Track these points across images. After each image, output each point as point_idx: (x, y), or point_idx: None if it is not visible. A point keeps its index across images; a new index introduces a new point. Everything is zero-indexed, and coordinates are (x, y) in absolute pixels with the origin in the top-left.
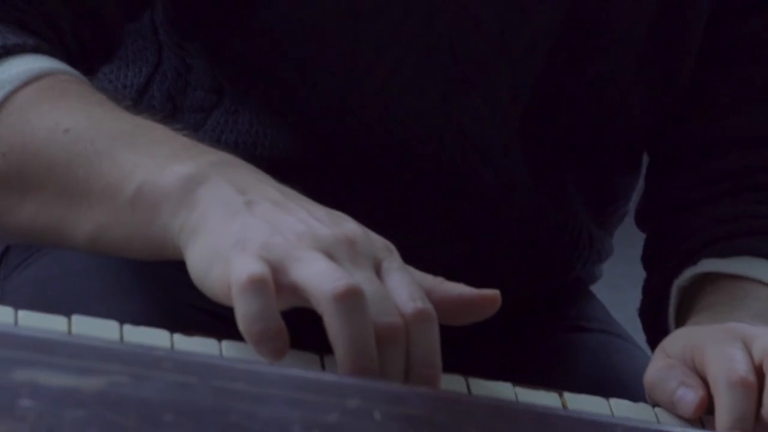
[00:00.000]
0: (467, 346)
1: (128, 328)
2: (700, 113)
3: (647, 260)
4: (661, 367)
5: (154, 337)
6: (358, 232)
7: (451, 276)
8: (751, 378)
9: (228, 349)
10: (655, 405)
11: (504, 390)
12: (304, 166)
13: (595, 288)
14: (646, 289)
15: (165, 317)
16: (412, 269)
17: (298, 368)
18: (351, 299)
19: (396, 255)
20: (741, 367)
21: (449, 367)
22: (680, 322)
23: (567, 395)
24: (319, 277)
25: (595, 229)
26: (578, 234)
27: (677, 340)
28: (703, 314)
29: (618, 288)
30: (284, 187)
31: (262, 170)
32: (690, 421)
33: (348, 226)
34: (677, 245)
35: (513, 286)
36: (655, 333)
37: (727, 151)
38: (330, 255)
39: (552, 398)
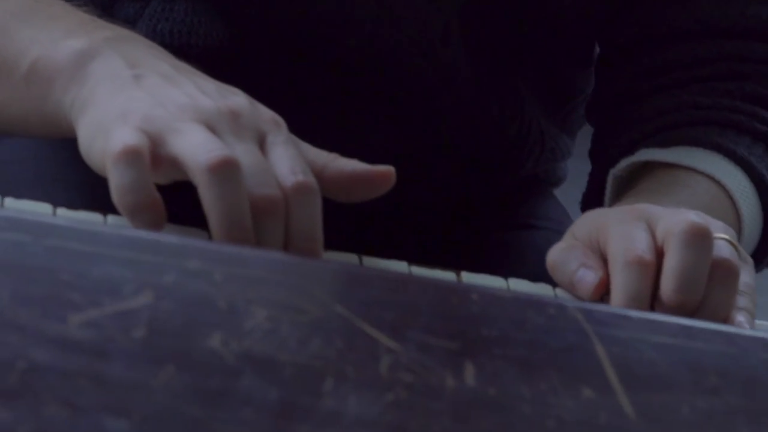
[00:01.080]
0: (412, 238)
1: (62, 211)
2: (649, 4)
3: (592, 153)
4: (563, 248)
5: (89, 217)
6: (244, 104)
7: (397, 165)
8: (648, 257)
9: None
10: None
11: (398, 267)
12: (239, 56)
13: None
14: (588, 182)
15: (98, 204)
16: (306, 145)
17: (138, 230)
18: (224, 170)
19: (283, 129)
20: (639, 245)
21: (390, 257)
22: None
23: (464, 274)
24: (194, 148)
25: (549, 126)
26: (527, 130)
27: (585, 222)
28: (629, 200)
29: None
30: (179, 62)
31: (196, 60)
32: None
33: (235, 99)
34: (619, 136)
35: (459, 181)
36: None
37: (675, 43)
38: (211, 127)
39: (447, 275)
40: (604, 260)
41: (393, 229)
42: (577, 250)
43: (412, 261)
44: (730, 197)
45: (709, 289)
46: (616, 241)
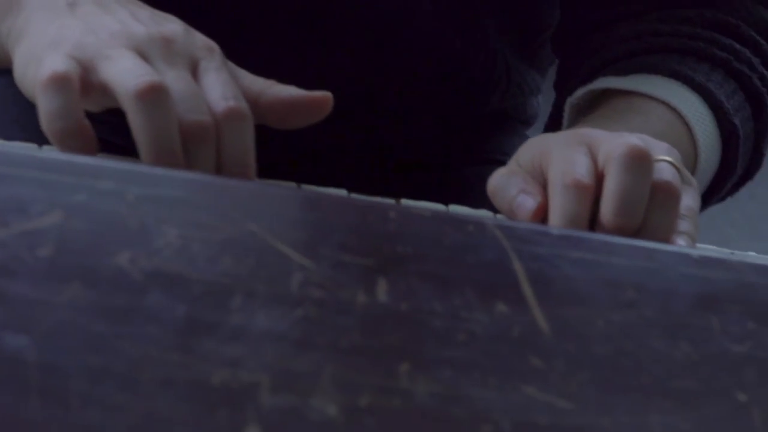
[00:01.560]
0: (378, 173)
1: (47, 148)
2: None
3: (556, 85)
4: (503, 173)
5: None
6: (178, 31)
7: (357, 105)
8: (586, 180)
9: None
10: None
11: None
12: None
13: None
14: (550, 112)
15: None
16: (242, 71)
17: (53, 151)
18: (152, 95)
19: (217, 55)
20: (578, 169)
21: (353, 189)
22: None
23: (404, 201)
24: (123, 74)
25: (516, 61)
26: (492, 65)
27: (528, 148)
28: (579, 126)
29: None
30: None
31: None
32: None
33: (168, 26)
34: (579, 66)
35: (424, 114)
36: None
37: None
38: (143, 54)
39: (386, 202)
40: (545, 186)
41: (359, 165)
42: (517, 176)
43: (372, 193)
44: (686, 123)
45: (649, 212)
46: (555, 165)
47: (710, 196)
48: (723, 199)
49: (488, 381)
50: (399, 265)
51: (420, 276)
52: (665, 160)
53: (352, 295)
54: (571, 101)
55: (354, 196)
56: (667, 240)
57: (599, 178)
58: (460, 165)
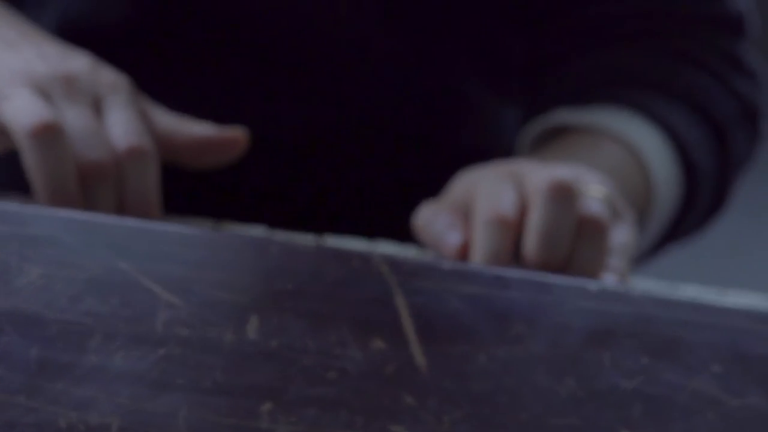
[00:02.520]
0: (352, 218)
1: None
2: None
3: (523, 119)
4: (429, 208)
5: None
6: (83, 68)
7: (318, 150)
8: (509, 215)
9: None
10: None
11: (256, 233)
12: (146, 32)
13: None
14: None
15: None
16: (156, 109)
17: None
18: (46, 134)
19: (123, 92)
20: (501, 204)
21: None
22: None
23: (328, 239)
24: (18, 113)
25: (487, 98)
26: (458, 103)
27: (459, 183)
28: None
29: None
30: (29, 29)
31: (105, 37)
32: None
33: (73, 62)
34: (538, 99)
35: (390, 158)
36: None
37: (598, 2)
38: (44, 92)
39: (307, 239)
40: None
41: (329, 210)
42: (443, 210)
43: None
44: (641, 159)
45: (575, 247)
46: (480, 199)
47: (672, 236)
48: (689, 236)
49: (355, 420)
50: (274, 301)
51: (295, 313)
52: (596, 194)
53: (220, 333)
54: (525, 135)
55: (275, 232)
56: (594, 275)
57: (526, 212)
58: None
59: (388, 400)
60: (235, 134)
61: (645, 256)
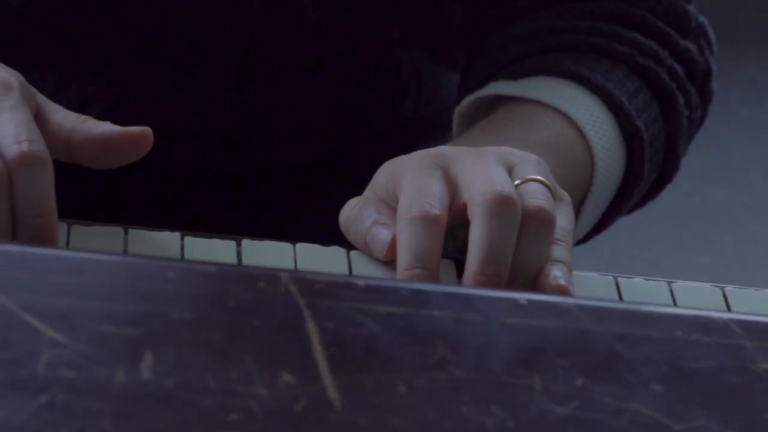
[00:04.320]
0: (289, 197)
1: None
2: None
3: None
4: (354, 204)
5: None
6: None
7: (249, 129)
8: (435, 211)
9: None
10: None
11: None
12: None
13: None
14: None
15: None
16: (55, 107)
17: None
18: None
19: (14, 92)
20: (426, 199)
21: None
22: None
23: (245, 242)
24: None
25: (429, 66)
26: (398, 72)
27: (382, 172)
28: (455, 142)
29: None
30: None
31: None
32: (390, 264)
33: None
34: (472, 71)
35: (330, 131)
36: None
37: None
38: None
39: (226, 244)
40: None
41: (268, 191)
42: (369, 205)
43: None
44: (579, 129)
45: (519, 244)
46: (404, 193)
47: (619, 205)
48: (635, 208)
49: None
50: (171, 334)
51: (195, 346)
52: (535, 180)
53: (110, 373)
54: (459, 110)
55: (189, 239)
56: (539, 271)
57: (456, 208)
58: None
59: None
60: (139, 132)
61: (593, 228)
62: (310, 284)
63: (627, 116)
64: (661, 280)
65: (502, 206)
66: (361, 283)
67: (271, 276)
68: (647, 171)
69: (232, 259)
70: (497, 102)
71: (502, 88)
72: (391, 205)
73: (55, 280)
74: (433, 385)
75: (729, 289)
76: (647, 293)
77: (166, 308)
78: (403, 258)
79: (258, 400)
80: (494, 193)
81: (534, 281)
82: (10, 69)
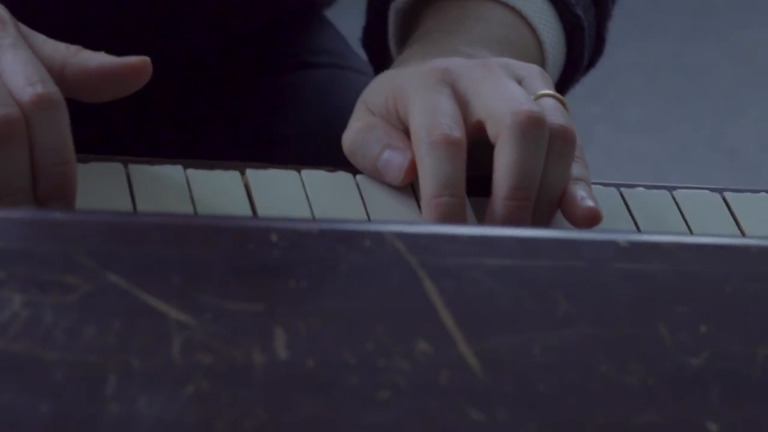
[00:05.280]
0: (180, 92)
1: None
2: None
3: None
4: (360, 128)
5: None
6: None
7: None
8: (456, 134)
9: None
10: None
11: (173, 172)
12: None
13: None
14: (367, 13)
15: None
16: (40, 38)
17: None
18: None
19: (10, 27)
20: (443, 120)
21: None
22: (402, 51)
23: (250, 172)
24: None
25: None
26: None
27: (378, 89)
28: (415, 47)
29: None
30: None
31: None
32: (401, 189)
33: None
34: None
35: (217, 25)
36: (381, 64)
37: None
38: None
39: (231, 175)
40: (408, 133)
41: (157, 90)
42: (377, 128)
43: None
44: (529, 23)
45: (545, 165)
46: (417, 114)
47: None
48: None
49: None
50: (293, 305)
51: (322, 317)
52: (549, 95)
53: (247, 356)
54: (395, 6)
55: (191, 171)
56: (563, 192)
57: (470, 127)
58: (269, 74)
59: (454, 417)
60: (139, 61)
61: None
62: (415, 240)
63: (567, 5)
64: (661, 188)
65: (534, 127)
66: (465, 235)
67: (375, 234)
68: (584, 60)
69: (239, 190)
70: None
71: None
72: (394, 124)
73: (161, 252)
74: (566, 343)
75: (728, 194)
76: (650, 202)
77: (282, 277)
78: (429, 185)
79: (402, 374)
80: (525, 113)
81: (558, 202)
82: None
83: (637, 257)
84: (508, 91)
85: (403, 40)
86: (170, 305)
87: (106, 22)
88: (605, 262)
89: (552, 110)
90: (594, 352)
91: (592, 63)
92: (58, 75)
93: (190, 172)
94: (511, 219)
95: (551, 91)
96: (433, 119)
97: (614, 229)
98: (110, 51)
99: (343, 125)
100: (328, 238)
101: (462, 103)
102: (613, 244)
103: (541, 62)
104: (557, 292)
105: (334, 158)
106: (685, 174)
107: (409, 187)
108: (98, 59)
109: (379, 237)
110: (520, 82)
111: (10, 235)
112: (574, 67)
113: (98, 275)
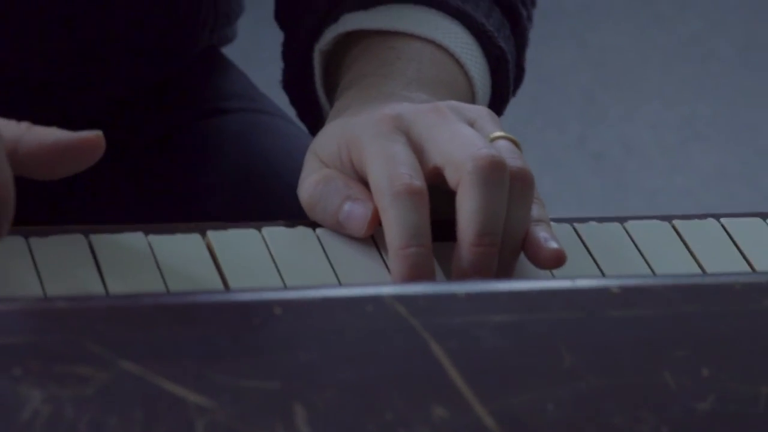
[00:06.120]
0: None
1: None
2: None
3: (282, 17)
4: (317, 181)
5: None
6: None
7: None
8: (417, 183)
9: None
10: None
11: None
12: None
13: (233, 55)
14: (286, 56)
15: None
16: None
17: None
18: None
19: None
20: (402, 169)
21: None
22: (330, 91)
23: (210, 233)
24: None
25: None
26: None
27: (329, 140)
28: (352, 91)
29: (258, 58)
30: None
31: None
32: (361, 240)
33: None
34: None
35: (119, 75)
36: (305, 106)
37: None
38: None
39: (192, 238)
40: (365, 183)
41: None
42: (335, 180)
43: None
44: (456, 60)
45: (507, 209)
46: (375, 164)
47: None
48: None
49: None
50: (309, 379)
51: (337, 389)
52: (503, 137)
53: None
54: (320, 48)
55: (153, 237)
56: (525, 234)
57: (428, 173)
58: (180, 124)
59: None
60: (94, 136)
61: None
62: (414, 301)
63: (490, 38)
64: (613, 220)
65: (496, 171)
66: (462, 292)
67: (375, 299)
68: (508, 92)
69: (202, 252)
70: (353, 35)
71: (365, 21)
72: (349, 175)
73: (169, 333)
74: (577, 397)
75: (677, 221)
76: (604, 236)
77: (291, 350)
78: (395, 237)
79: None
80: (485, 158)
81: (522, 244)
82: None
83: (631, 302)
84: (464, 135)
85: (328, 80)
86: (187, 389)
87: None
88: (601, 310)
89: (509, 153)
90: (605, 403)
91: (513, 92)
92: (11, 152)
93: (152, 237)
94: (479, 265)
95: (504, 133)
96: (393, 169)
97: (606, 275)
98: (11, 111)
99: (265, 170)
100: (330, 306)
101: (417, 150)
102: (605, 291)
103: (471, 97)
104: (560, 344)
105: (261, 205)
106: (555, 179)
107: (370, 237)
108: (54, 135)
109: (379, 301)
110: (471, 124)
111: (16, 328)
112: (499, 99)
113: (111, 363)
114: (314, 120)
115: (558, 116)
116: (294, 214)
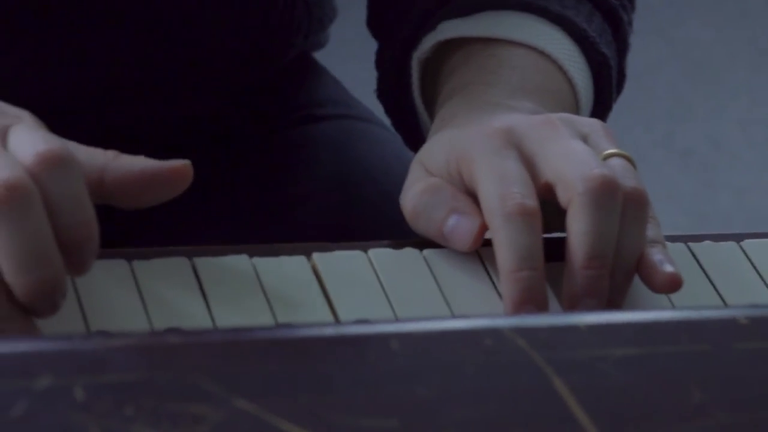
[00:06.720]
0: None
1: None
2: None
3: (375, 26)
4: (423, 190)
5: None
6: None
7: (148, 86)
8: (530, 203)
9: None
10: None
11: (238, 262)
12: None
13: (326, 61)
14: (380, 64)
15: None
16: (73, 144)
17: None
18: None
19: (27, 120)
20: (515, 188)
21: None
22: (428, 99)
23: (316, 255)
24: None
25: None
26: (292, 4)
27: (438, 150)
28: (456, 100)
29: (356, 58)
30: None
31: None
32: (469, 260)
33: None
34: (407, 5)
35: (224, 79)
36: (401, 115)
37: None
38: None
39: (299, 261)
40: (473, 196)
41: (164, 147)
42: (442, 191)
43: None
44: (560, 66)
45: (620, 230)
46: (486, 181)
47: None
48: None
49: None
50: (429, 415)
51: (458, 428)
52: (617, 154)
53: None
54: (419, 56)
55: (257, 260)
56: (640, 257)
57: (539, 188)
58: (274, 131)
59: None
60: (181, 165)
61: None
62: (535, 334)
63: (593, 44)
64: (729, 238)
65: (608, 193)
66: (583, 324)
67: (494, 332)
68: (611, 98)
69: (308, 276)
70: (451, 43)
71: (464, 29)
72: (457, 187)
73: (282, 369)
74: None
75: None
76: (720, 256)
77: (408, 386)
78: (507, 259)
79: None
80: (597, 179)
81: (636, 267)
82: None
83: (760, 334)
84: (576, 153)
85: (425, 89)
86: (305, 428)
87: (97, 87)
88: (728, 342)
89: (622, 172)
90: None
91: (615, 99)
92: (96, 180)
93: (256, 260)
94: (590, 288)
95: (618, 150)
96: (505, 187)
97: (731, 306)
98: (102, 119)
99: (361, 178)
100: (448, 340)
101: (529, 164)
102: (732, 322)
103: (575, 105)
104: (688, 379)
105: (356, 213)
106: (643, 177)
107: (476, 255)
108: (141, 163)
109: (498, 334)
110: (584, 139)
111: (128, 364)
112: (602, 106)
113: (224, 401)
114: (410, 129)
115: (645, 114)
116: (391, 223)
